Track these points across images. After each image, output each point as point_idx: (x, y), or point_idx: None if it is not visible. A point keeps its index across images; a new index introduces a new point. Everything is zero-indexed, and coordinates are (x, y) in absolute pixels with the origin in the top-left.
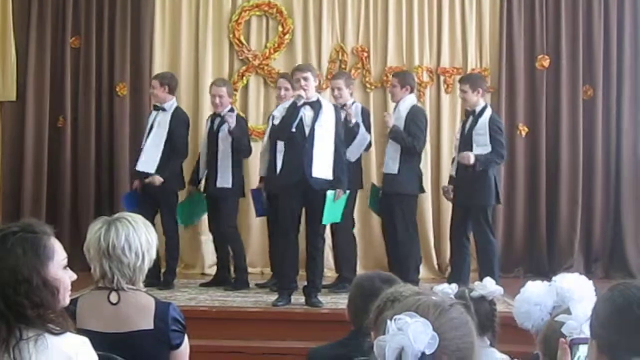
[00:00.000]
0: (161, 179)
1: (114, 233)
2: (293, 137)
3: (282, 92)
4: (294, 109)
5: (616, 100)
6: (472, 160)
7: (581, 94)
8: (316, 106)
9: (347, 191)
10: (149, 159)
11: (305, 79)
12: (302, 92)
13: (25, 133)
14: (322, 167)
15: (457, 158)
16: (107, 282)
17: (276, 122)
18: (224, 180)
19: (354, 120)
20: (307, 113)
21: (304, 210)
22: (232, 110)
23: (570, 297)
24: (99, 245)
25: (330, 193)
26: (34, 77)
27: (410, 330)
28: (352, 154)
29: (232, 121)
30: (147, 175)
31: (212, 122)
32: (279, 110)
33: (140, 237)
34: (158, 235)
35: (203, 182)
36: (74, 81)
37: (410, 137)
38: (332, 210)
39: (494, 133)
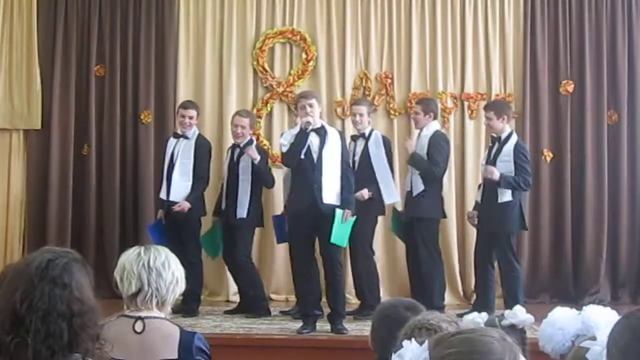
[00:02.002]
0: (189, 205)
1: (154, 251)
2: (302, 163)
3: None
4: (302, 136)
5: None
6: (496, 176)
7: (606, 119)
8: (321, 132)
9: (355, 216)
10: (180, 189)
11: (311, 105)
12: (310, 119)
13: (50, 161)
14: (331, 193)
15: (482, 171)
16: (140, 299)
17: (284, 149)
18: (241, 210)
19: (366, 197)
20: (313, 140)
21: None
22: (251, 142)
23: (596, 327)
24: (139, 258)
25: (339, 212)
26: (59, 105)
27: None
28: (389, 194)
29: (255, 156)
30: (171, 203)
31: (232, 152)
32: (285, 138)
33: (177, 263)
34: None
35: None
36: (98, 109)
37: (429, 162)
38: (340, 231)
39: (519, 160)
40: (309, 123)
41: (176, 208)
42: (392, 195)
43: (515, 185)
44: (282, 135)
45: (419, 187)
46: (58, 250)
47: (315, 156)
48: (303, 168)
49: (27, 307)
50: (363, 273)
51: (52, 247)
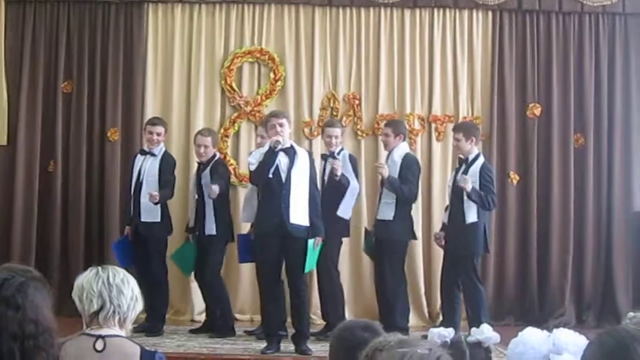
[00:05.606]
0: (157, 195)
1: (111, 270)
2: (269, 183)
3: (259, 140)
4: (270, 155)
5: (607, 148)
6: (469, 186)
7: (572, 142)
8: (290, 152)
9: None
10: (150, 209)
11: (281, 125)
12: (279, 138)
13: (15, 177)
14: (299, 213)
15: (457, 180)
16: (102, 317)
17: (252, 167)
18: (210, 227)
19: (339, 173)
20: (282, 160)
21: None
22: (214, 156)
23: (566, 348)
24: (98, 277)
25: (310, 242)
26: (25, 121)
27: None
28: (346, 208)
29: (213, 193)
30: (139, 222)
31: (198, 170)
32: (254, 156)
33: (134, 281)
34: (147, 282)
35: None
36: (65, 126)
37: (405, 185)
38: (312, 257)
39: (485, 181)
40: (278, 142)
41: (152, 194)
42: (346, 210)
43: (483, 199)
44: (250, 153)
45: (386, 214)
46: (17, 269)
47: (283, 176)
48: (271, 187)
49: None
50: (328, 294)
51: (12, 264)
